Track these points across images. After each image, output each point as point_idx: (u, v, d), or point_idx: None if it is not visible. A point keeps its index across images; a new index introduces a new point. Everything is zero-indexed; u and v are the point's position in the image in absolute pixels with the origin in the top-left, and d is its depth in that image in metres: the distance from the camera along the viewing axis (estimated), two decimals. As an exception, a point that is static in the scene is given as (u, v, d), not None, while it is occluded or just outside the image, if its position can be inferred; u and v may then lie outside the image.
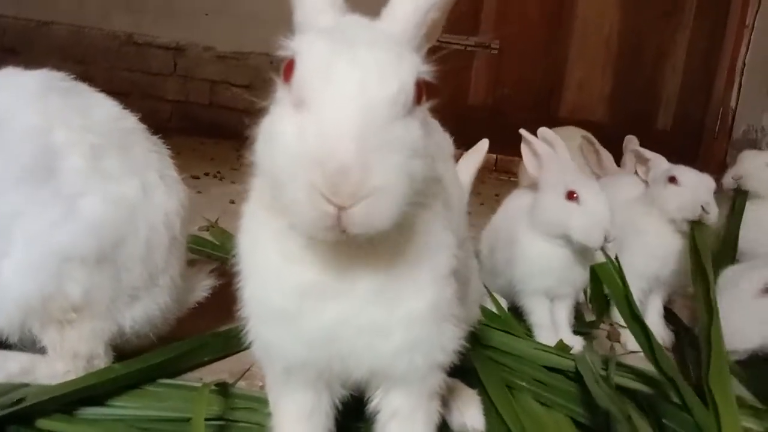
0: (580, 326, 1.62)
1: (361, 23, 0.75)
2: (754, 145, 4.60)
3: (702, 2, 4.70)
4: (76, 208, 1.04)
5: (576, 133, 2.85)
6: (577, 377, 1.23)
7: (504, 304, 1.64)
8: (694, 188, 1.62)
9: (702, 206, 1.58)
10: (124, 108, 1.23)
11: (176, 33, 5.01)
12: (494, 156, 4.72)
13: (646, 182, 1.77)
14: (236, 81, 5.03)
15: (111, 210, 1.06)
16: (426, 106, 0.72)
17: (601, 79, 4.85)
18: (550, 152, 1.53)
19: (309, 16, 0.77)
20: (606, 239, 1.38)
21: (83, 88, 1.18)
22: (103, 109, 1.16)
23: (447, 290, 0.79)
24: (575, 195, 1.43)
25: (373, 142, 0.59)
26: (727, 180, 2.28)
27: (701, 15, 4.71)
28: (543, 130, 1.58)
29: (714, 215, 1.59)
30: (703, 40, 4.76)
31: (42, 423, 0.94)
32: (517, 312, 1.60)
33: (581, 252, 1.48)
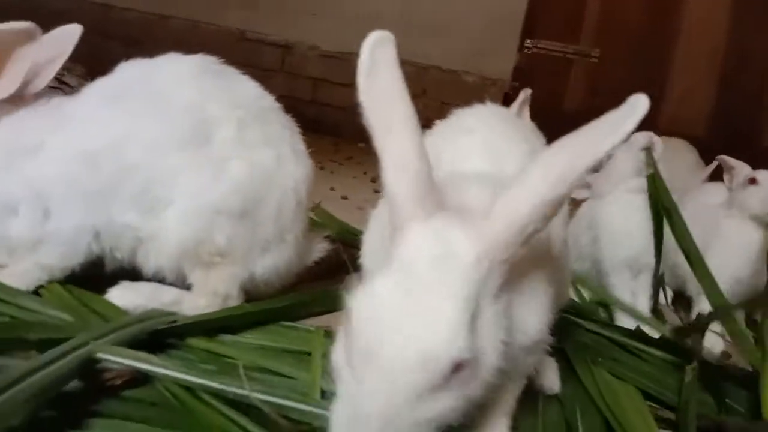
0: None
1: (435, 252, 0.74)
2: None
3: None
4: (225, 171, 1.25)
5: (681, 146, 2.86)
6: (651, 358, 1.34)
7: (586, 295, 1.74)
8: None
9: None
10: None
11: (285, 31, 5.32)
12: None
13: (730, 188, 1.85)
14: (337, 79, 5.28)
15: (252, 174, 1.27)
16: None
17: (705, 93, 4.74)
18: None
19: (398, 215, 0.78)
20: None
21: (231, 70, 1.40)
22: (248, 89, 1.38)
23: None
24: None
25: (389, 426, 0.68)
26: None
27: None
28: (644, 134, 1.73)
29: None
30: (818, 56, 4.56)
31: (190, 341, 1.14)
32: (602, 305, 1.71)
33: None
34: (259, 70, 5.45)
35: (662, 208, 1.51)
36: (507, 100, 4.99)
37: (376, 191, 3.37)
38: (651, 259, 1.60)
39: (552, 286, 0.91)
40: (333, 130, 5.10)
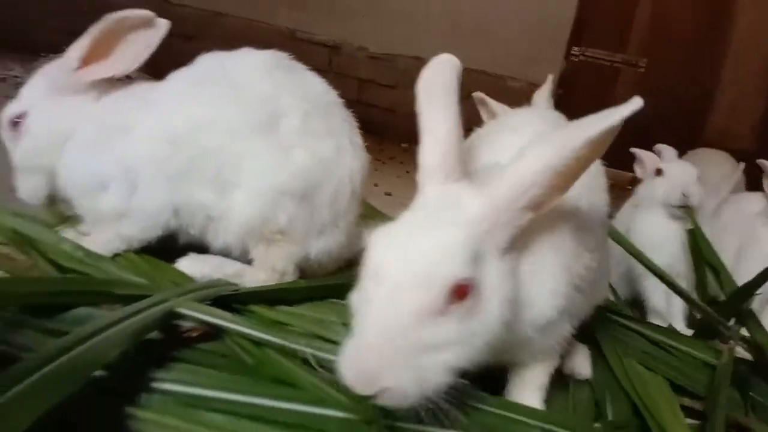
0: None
1: (445, 202, 0.88)
2: None
3: None
4: (290, 157, 1.36)
5: (725, 159, 2.88)
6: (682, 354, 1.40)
7: (621, 296, 1.81)
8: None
9: None
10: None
11: (334, 31, 5.45)
12: (630, 174, 4.73)
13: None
14: (383, 81, 5.39)
15: (314, 162, 1.38)
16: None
17: (755, 107, 4.69)
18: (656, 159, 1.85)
19: (423, 179, 0.92)
20: (685, 195, 1.69)
21: (300, 66, 1.51)
22: (315, 84, 1.50)
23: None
24: (661, 171, 1.83)
25: (389, 349, 0.75)
26: None
27: None
28: (661, 146, 1.81)
29: None
30: None
31: (251, 307, 1.25)
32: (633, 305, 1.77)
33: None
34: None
35: (705, 263, 1.59)
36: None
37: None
38: (684, 268, 1.67)
39: (569, 273, 1.00)
40: (377, 130, 5.21)
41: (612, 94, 4.93)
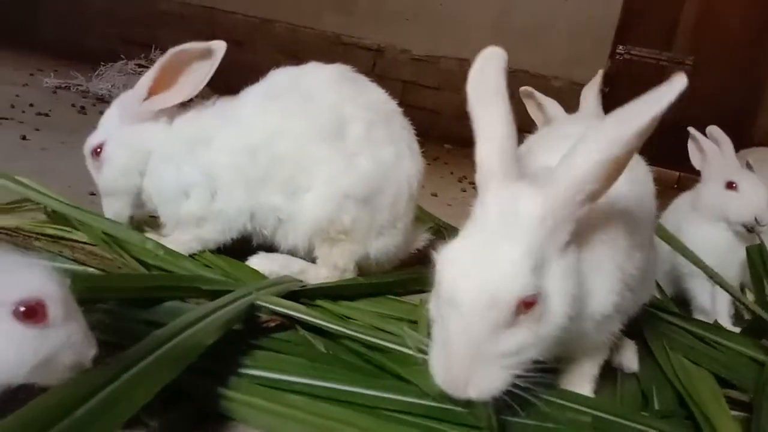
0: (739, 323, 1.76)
1: (504, 212, 0.92)
2: None
3: None
4: (355, 162, 1.46)
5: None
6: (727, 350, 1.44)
7: (668, 291, 1.84)
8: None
9: None
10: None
11: (378, 35, 5.56)
12: (677, 173, 4.69)
13: None
14: (426, 83, 5.47)
15: (375, 167, 1.48)
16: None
17: (804, 104, 4.62)
18: (715, 149, 1.73)
19: (481, 182, 0.97)
20: (758, 221, 1.61)
21: (364, 78, 1.61)
22: (377, 94, 1.60)
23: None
24: (734, 185, 1.71)
25: (473, 359, 0.86)
26: None
27: None
28: (712, 128, 1.79)
29: None
30: None
31: (318, 302, 1.36)
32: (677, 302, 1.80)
33: (742, 236, 1.72)
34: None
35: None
36: (596, 106, 5.01)
37: (464, 190, 3.54)
38: (731, 273, 1.69)
39: (622, 271, 1.06)
40: (421, 131, 5.24)
41: (658, 92, 4.90)
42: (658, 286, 1.84)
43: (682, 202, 1.86)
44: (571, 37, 5.03)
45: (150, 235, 1.51)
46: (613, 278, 1.04)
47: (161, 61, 1.46)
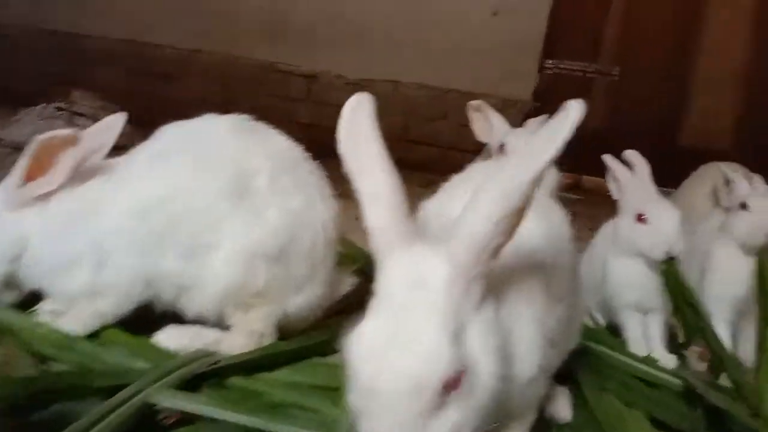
0: (674, 347, 1.75)
1: (410, 283, 0.83)
2: None
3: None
4: (263, 217, 1.38)
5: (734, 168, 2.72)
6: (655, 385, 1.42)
7: (601, 320, 1.82)
8: (764, 214, 1.71)
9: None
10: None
11: (312, 62, 5.49)
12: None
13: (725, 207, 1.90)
14: (363, 106, 5.43)
15: (285, 219, 1.41)
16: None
17: (726, 108, 4.76)
18: (629, 176, 1.71)
19: (377, 245, 0.88)
20: (669, 254, 1.56)
21: (262, 126, 1.54)
22: (279, 142, 1.53)
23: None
24: (644, 217, 1.62)
25: None
26: None
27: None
28: (628, 153, 1.76)
29: None
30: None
31: (230, 380, 1.26)
32: (613, 330, 1.78)
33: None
34: (287, 100, 5.68)
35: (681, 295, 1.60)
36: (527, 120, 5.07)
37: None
38: (658, 302, 1.67)
39: (544, 325, 1.01)
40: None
41: (587, 104, 4.97)
42: (592, 316, 1.82)
43: (606, 231, 1.82)
44: (501, 53, 5.07)
45: (44, 314, 1.39)
46: (534, 336, 0.99)
47: (31, 150, 1.37)
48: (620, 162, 1.76)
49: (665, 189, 2.39)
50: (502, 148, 1.81)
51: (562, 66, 5.01)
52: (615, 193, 1.76)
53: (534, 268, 1.03)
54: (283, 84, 5.62)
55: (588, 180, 4.81)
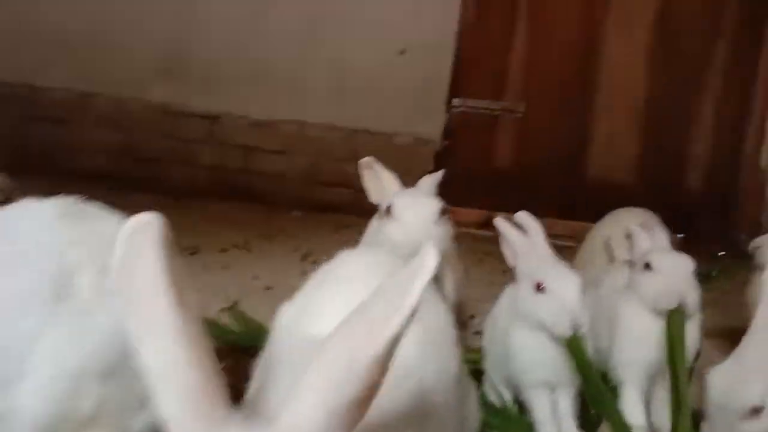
0: (585, 423, 1.61)
1: None
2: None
3: (729, 63, 4.72)
4: (87, 325, 1.12)
5: (643, 217, 2.59)
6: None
7: (507, 396, 1.65)
8: (671, 275, 1.58)
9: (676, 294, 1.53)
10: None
11: (212, 102, 5.23)
12: (522, 217, 4.72)
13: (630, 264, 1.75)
14: (270, 147, 5.21)
15: (119, 324, 1.14)
16: None
17: (628, 140, 4.86)
18: (523, 240, 1.56)
19: None
20: (575, 327, 1.41)
21: (93, 210, 1.28)
22: (110, 228, 1.26)
23: None
24: (542, 286, 1.46)
25: None
26: (750, 246, 2.24)
27: (729, 75, 4.73)
28: (520, 216, 1.62)
29: (692, 304, 1.54)
30: (732, 100, 4.76)
31: None
32: (521, 404, 1.62)
33: None
34: (186, 142, 5.39)
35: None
36: (438, 160, 4.99)
37: (305, 272, 3.24)
38: (566, 377, 1.51)
39: None
40: (267, 198, 5.01)
41: (495, 141, 4.98)
42: (497, 392, 1.65)
43: (506, 300, 1.66)
44: (409, 91, 5.00)
45: None
46: None
47: None
48: (512, 225, 1.61)
49: (577, 222, 2.30)
50: (388, 210, 1.64)
51: (469, 104, 4.99)
52: (510, 259, 1.61)
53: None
54: (182, 126, 5.33)
55: (500, 216, 4.73)
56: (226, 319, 2.18)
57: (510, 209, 4.67)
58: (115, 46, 5.20)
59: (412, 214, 1.57)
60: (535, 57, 4.90)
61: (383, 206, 1.86)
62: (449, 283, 1.74)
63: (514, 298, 1.58)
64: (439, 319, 1.01)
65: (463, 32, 4.90)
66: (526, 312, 1.50)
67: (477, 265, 3.58)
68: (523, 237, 1.57)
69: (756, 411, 1.31)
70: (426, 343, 0.90)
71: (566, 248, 2.39)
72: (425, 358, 0.89)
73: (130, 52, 5.21)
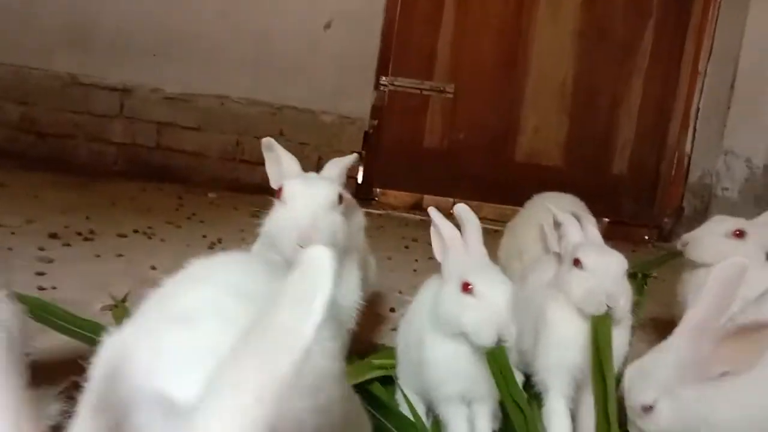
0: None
1: None
2: (709, 189, 4.59)
3: (655, 49, 4.72)
4: None
5: (571, 203, 2.42)
6: None
7: (422, 409, 1.47)
8: (601, 275, 1.42)
9: (606, 301, 1.38)
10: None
11: (124, 74, 4.84)
12: (451, 200, 4.62)
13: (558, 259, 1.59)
14: (185, 123, 4.87)
15: None
16: None
17: (557, 124, 4.82)
18: (455, 236, 1.38)
19: None
20: (501, 339, 1.25)
21: None
22: None
23: None
24: (470, 287, 1.29)
25: None
26: (679, 243, 2.15)
27: (655, 61, 4.73)
28: (458, 208, 1.43)
29: (622, 309, 1.39)
30: (657, 86, 4.77)
31: None
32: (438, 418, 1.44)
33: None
34: (94, 117, 4.97)
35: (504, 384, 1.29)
36: (367, 139, 4.80)
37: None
38: (485, 390, 1.34)
39: None
40: (181, 177, 4.69)
41: (425, 121, 4.82)
42: (412, 407, 1.46)
43: (424, 300, 1.46)
44: (336, 68, 4.78)
45: None
46: None
47: None
48: (444, 218, 1.42)
49: (504, 205, 2.17)
50: (279, 192, 1.43)
51: (397, 83, 4.81)
52: (438, 254, 1.42)
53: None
54: (90, 99, 4.91)
55: (429, 199, 4.63)
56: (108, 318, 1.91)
57: (438, 192, 4.60)
58: (16, 11, 4.74)
59: (301, 201, 1.37)
60: (464, 37, 4.77)
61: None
62: (352, 279, 1.54)
63: (434, 297, 1.39)
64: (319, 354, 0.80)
65: (390, 8, 4.70)
66: (447, 314, 1.31)
67: (402, 252, 3.42)
68: (456, 231, 1.39)
69: (647, 410, 1.29)
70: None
71: (493, 232, 2.26)
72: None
73: (33, 18, 4.75)
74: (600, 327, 1.32)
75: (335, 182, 1.48)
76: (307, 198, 1.37)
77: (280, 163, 1.56)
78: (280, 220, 1.40)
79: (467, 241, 1.38)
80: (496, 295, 1.27)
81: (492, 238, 2.20)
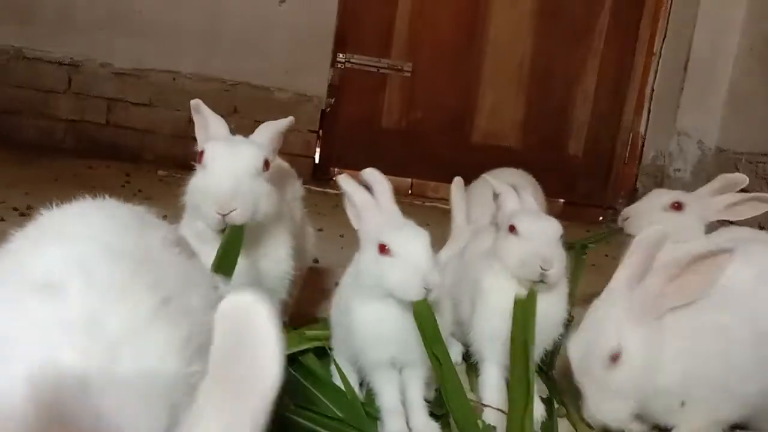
0: (437, 407, 1.41)
1: None
2: (662, 171, 4.65)
3: (611, 30, 4.73)
4: None
5: (519, 177, 2.40)
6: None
7: (354, 379, 1.43)
8: (535, 240, 1.42)
9: (540, 264, 1.38)
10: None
11: (71, 47, 4.65)
12: (409, 180, 4.59)
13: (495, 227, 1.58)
14: (136, 99, 4.72)
15: None
16: None
17: (514, 105, 4.80)
18: (368, 200, 1.35)
19: None
20: (426, 289, 1.22)
21: None
22: None
23: None
24: (387, 248, 1.26)
25: None
26: (619, 219, 2.14)
27: (611, 42, 4.74)
28: (367, 172, 1.39)
29: (555, 275, 1.39)
30: (613, 67, 4.79)
31: None
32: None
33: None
34: (41, 92, 4.76)
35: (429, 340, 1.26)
36: (323, 117, 4.72)
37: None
38: (414, 355, 1.31)
39: None
40: (132, 154, 4.55)
41: (382, 99, 4.76)
42: (345, 379, 1.42)
43: (352, 268, 1.42)
44: (292, 45, 4.66)
45: None
46: None
47: None
48: (357, 183, 1.38)
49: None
50: (201, 155, 1.36)
51: (353, 60, 4.73)
52: (354, 221, 1.38)
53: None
54: (37, 73, 4.72)
55: (390, 179, 4.54)
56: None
57: (396, 172, 4.53)
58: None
59: (221, 165, 1.30)
60: (422, 14, 4.71)
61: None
62: (282, 249, 1.49)
63: (355, 264, 1.36)
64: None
65: (347, -17, 4.61)
66: (370, 278, 1.27)
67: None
68: (368, 195, 1.34)
69: (614, 358, 1.29)
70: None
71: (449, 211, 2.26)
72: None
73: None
74: (524, 300, 1.30)
75: (262, 146, 1.42)
76: (228, 161, 1.31)
77: (207, 127, 1.49)
78: (199, 185, 1.33)
79: (379, 202, 1.34)
80: (412, 249, 1.24)
81: (450, 218, 2.20)
